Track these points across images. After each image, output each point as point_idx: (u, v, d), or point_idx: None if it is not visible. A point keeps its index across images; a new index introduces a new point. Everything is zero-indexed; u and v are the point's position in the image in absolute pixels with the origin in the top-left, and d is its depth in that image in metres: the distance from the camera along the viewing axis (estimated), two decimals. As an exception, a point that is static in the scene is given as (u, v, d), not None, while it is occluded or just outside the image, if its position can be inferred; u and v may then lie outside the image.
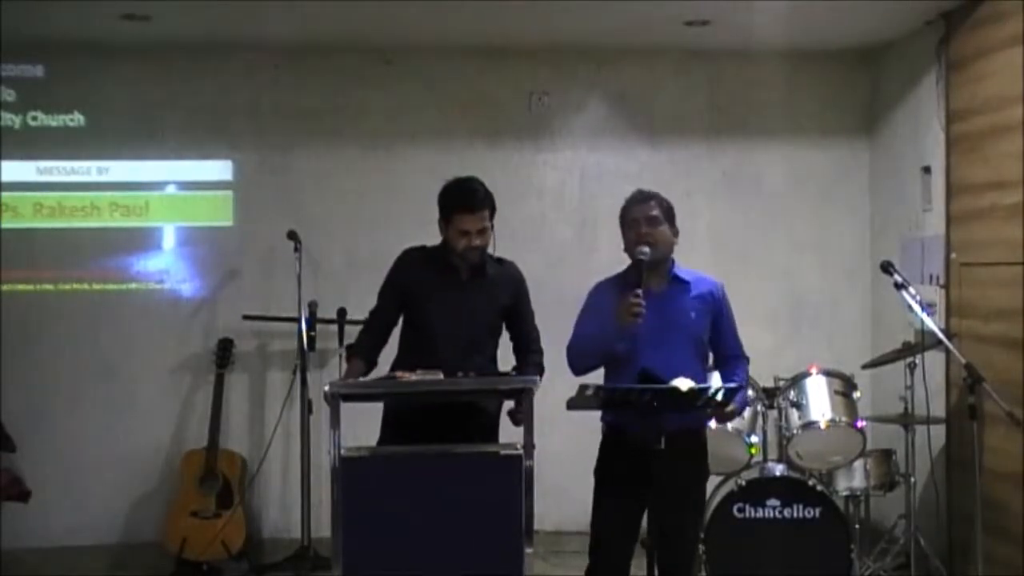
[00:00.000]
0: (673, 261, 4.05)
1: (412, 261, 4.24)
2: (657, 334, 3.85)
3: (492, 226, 4.15)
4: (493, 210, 4.16)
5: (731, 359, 4.11)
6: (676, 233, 4.04)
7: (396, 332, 4.32)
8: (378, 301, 4.30)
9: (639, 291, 3.78)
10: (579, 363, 3.98)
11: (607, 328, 3.86)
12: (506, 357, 4.32)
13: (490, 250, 4.20)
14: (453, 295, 4.14)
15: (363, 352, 4.22)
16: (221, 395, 5.94)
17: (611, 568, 3.95)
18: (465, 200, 4.11)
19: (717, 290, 4.07)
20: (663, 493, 3.81)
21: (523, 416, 3.86)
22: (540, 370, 4.20)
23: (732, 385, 3.90)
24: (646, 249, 3.88)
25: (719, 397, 3.88)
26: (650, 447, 3.76)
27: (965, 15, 5.35)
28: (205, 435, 5.87)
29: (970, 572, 4.96)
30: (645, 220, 3.94)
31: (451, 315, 4.11)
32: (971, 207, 5.33)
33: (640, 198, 4.02)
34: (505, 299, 4.23)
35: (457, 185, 4.18)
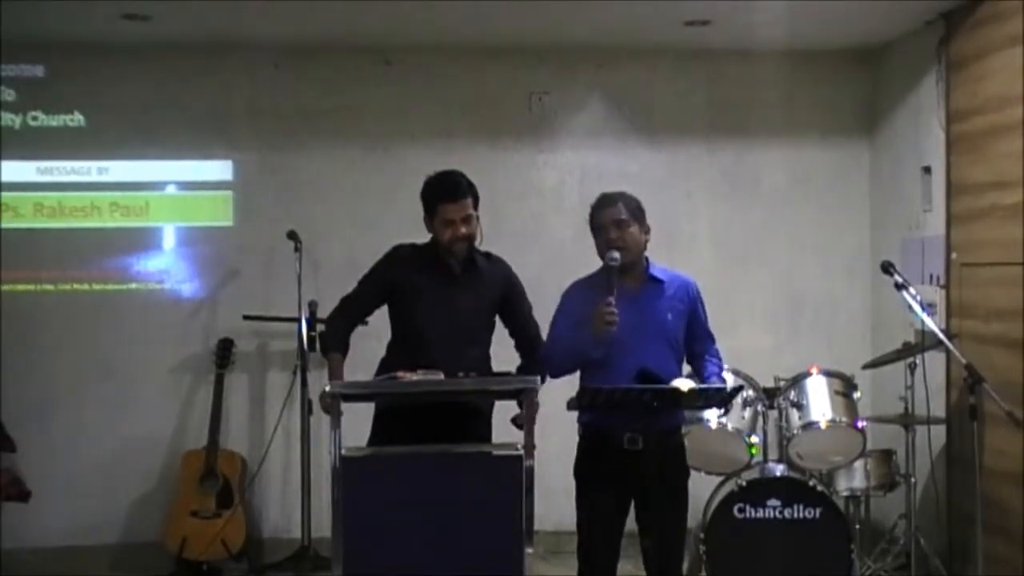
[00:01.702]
0: (647, 260, 4.04)
1: (402, 258, 4.21)
2: (633, 335, 3.84)
3: (477, 217, 4.14)
4: (477, 200, 4.15)
5: (704, 355, 4.10)
6: (647, 231, 4.02)
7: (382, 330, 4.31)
8: (357, 288, 4.26)
9: (611, 299, 3.77)
10: (556, 369, 3.99)
11: (582, 335, 3.85)
12: (502, 354, 4.31)
13: (478, 245, 4.19)
14: (444, 292, 4.12)
15: (338, 344, 4.20)
16: (221, 395, 5.94)
17: (601, 568, 3.96)
18: (447, 190, 4.11)
19: (692, 288, 4.07)
20: (647, 492, 3.83)
21: (526, 416, 3.85)
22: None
23: (733, 386, 3.91)
24: (616, 255, 3.86)
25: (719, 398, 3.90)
26: (631, 447, 3.77)
27: (965, 15, 5.35)
28: (205, 435, 5.87)
29: (970, 572, 4.97)
30: (613, 224, 3.93)
31: (443, 312, 4.09)
32: (971, 207, 5.33)
33: (606, 202, 4.00)
34: (496, 294, 4.21)
35: (437, 178, 4.17)
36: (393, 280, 4.20)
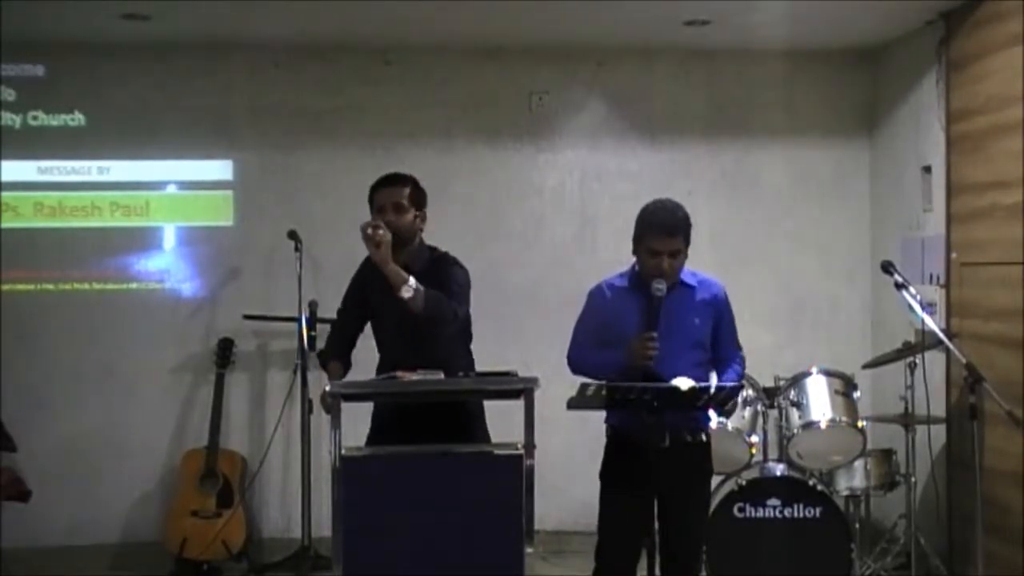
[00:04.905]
0: None
1: (365, 271, 4.24)
2: (662, 341, 3.79)
3: (421, 217, 4.13)
4: (419, 197, 4.13)
5: (726, 360, 4.08)
6: (688, 244, 3.95)
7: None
8: (341, 305, 4.33)
9: (654, 335, 3.75)
10: (578, 372, 3.95)
11: (614, 356, 3.83)
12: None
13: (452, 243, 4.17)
14: (391, 301, 4.04)
15: (338, 355, 4.23)
16: (221, 395, 5.94)
17: (618, 570, 3.95)
18: (382, 179, 4.16)
19: (720, 293, 4.04)
20: (668, 492, 3.82)
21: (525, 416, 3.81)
22: (448, 308, 4.02)
23: (731, 384, 3.90)
24: (662, 286, 3.80)
25: (719, 397, 3.89)
26: (655, 447, 3.77)
27: (965, 15, 5.35)
28: (205, 435, 5.87)
29: (970, 572, 4.96)
30: (669, 254, 3.86)
31: (392, 321, 4.07)
32: (971, 207, 5.33)
33: (667, 229, 3.85)
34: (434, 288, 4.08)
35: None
36: (360, 294, 4.24)
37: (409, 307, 3.93)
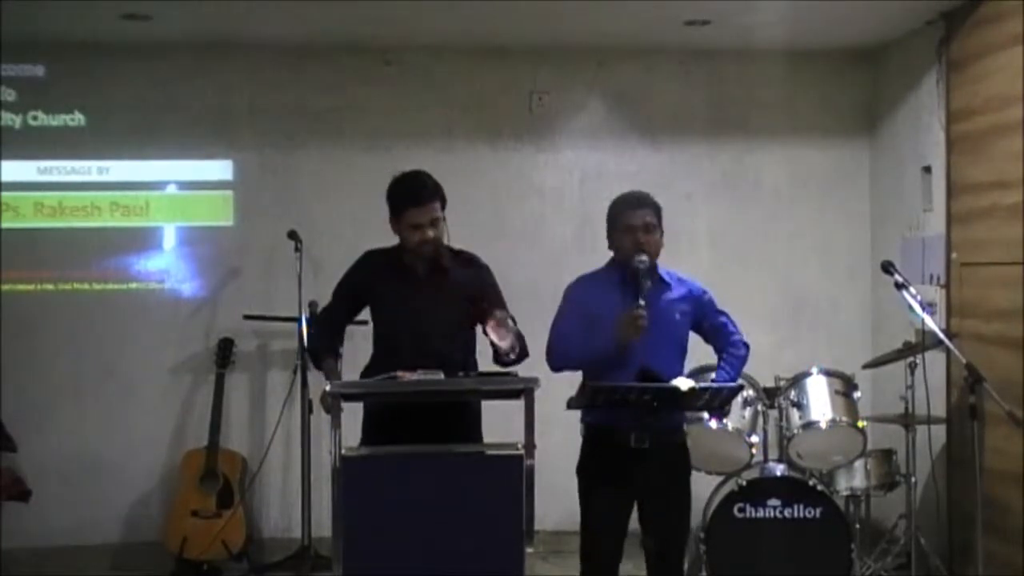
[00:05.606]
0: (656, 263, 4.02)
1: (371, 264, 4.20)
2: (642, 335, 3.80)
3: (444, 218, 4.09)
4: (444, 201, 4.09)
5: (722, 351, 4.09)
6: (662, 234, 4.01)
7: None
8: (331, 299, 4.27)
9: (643, 304, 3.76)
10: (562, 362, 3.97)
11: (602, 335, 3.82)
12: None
13: (446, 242, 4.13)
14: (411, 295, 4.06)
15: (329, 351, 4.19)
16: (221, 395, 5.94)
17: (604, 567, 3.96)
18: (413, 194, 4.06)
19: (697, 289, 4.05)
20: (650, 491, 3.83)
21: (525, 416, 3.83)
22: (522, 341, 4.04)
23: (732, 384, 3.90)
24: (644, 258, 3.84)
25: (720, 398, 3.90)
26: (637, 446, 3.77)
27: (965, 15, 5.35)
28: (205, 435, 5.87)
29: (970, 572, 4.96)
30: (643, 227, 3.90)
31: (406, 317, 4.04)
32: (972, 207, 5.33)
33: (636, 203, 3.96)
34: (464, 293, 4.09)
35: (404, 180, 4.13)
36: (359, 288, 4.18)
37: (500, 349, 3.95)
